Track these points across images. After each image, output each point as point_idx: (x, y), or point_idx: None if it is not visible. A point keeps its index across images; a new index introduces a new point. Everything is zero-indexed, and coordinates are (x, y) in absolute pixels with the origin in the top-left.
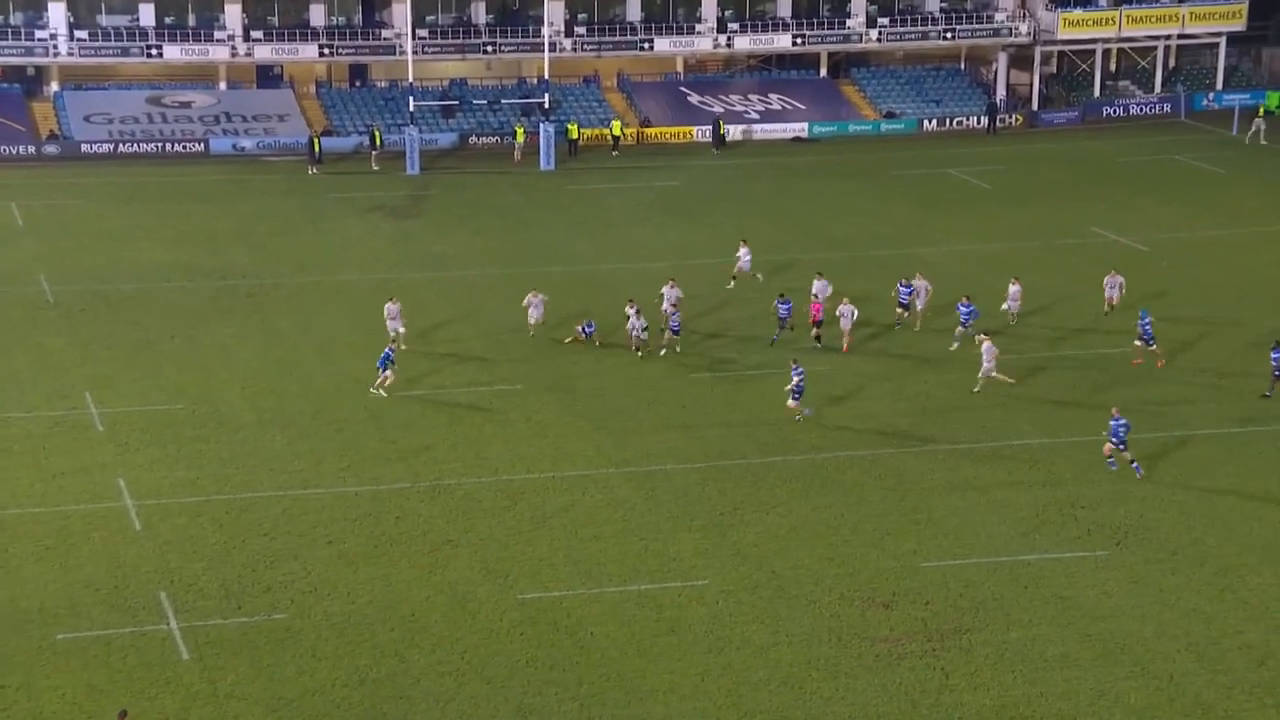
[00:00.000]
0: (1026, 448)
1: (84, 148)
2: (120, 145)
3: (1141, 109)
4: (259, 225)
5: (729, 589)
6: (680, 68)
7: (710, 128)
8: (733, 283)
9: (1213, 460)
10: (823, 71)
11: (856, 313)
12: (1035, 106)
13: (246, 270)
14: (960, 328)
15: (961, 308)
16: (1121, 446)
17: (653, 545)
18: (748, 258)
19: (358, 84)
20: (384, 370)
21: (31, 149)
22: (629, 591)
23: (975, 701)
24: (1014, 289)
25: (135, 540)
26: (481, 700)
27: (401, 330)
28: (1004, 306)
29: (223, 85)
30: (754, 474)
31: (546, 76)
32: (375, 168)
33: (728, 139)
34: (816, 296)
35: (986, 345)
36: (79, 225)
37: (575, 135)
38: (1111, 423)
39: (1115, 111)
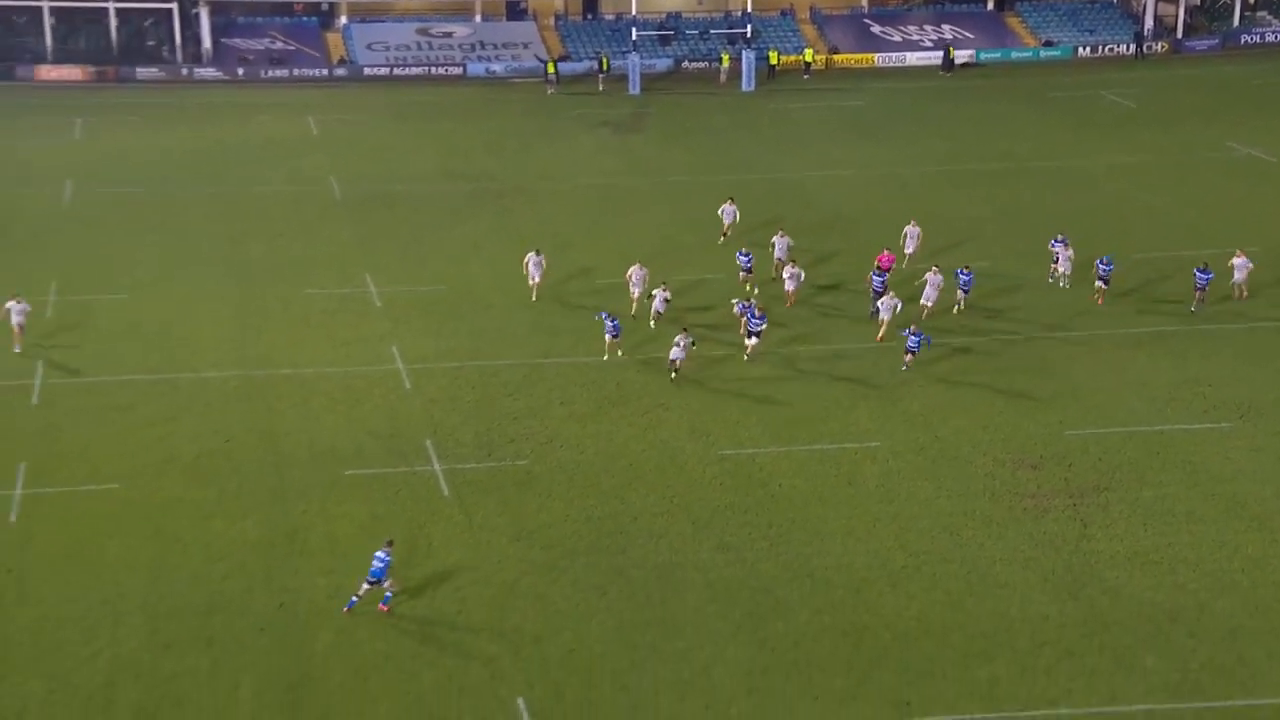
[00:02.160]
0: (1161, 333)
1: (365, 71)
2: (395, 69)
3: (1277, 37)
4: (506, 139)
5: (897, 450)
6: (865, 2)
7: (940, 54)
8: (723, 239)
9: None
10: (989, 5)
11: (803, 275)
12: (1179, 35)
13: (495, 176)
14: (961, 293)
15: (961, 274)
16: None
17: (833, 413)
18: (733, 213)
19: (589, 16)
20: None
21: (324, 72)
22: (812, 450)
23: (1110, 549)
24: (1239, 261)
25: (406, 397)
26: (688, 537)
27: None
28: (1232, 280)
29: (478, 18)
30: (919, 356)
31: (749, 10)
32: (602, 89)
33: (956, 63)
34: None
35: (931, 276)
36: (361, 137)
37: (774, 61)
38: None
39: (1253, 39)
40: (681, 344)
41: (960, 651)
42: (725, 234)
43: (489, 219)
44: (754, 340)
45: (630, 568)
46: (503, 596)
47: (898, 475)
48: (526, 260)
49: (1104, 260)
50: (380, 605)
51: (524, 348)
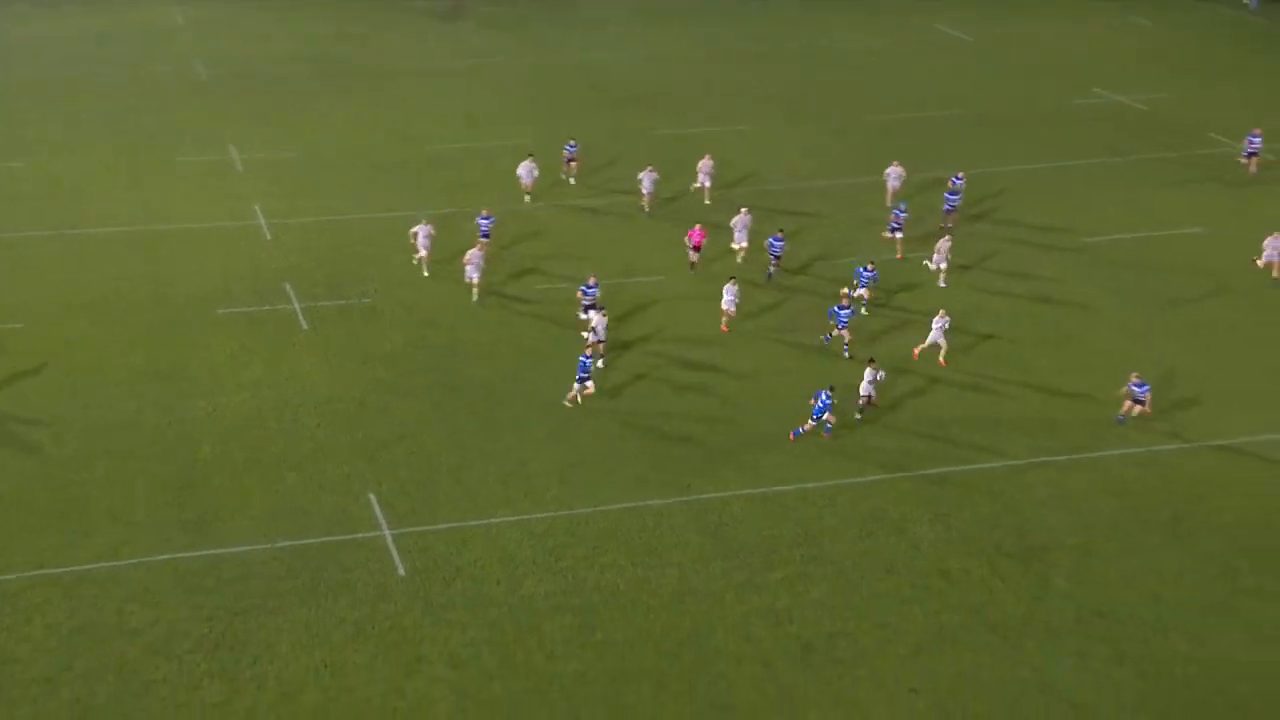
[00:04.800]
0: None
1: None
2: None
3: None
4: (352, 26)
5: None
6: None
7: None
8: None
9: None
10: None
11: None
12: None
13: (341, 59)
14: (861, 289)
15: (863, 271)
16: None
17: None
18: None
19: None
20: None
21: None
22: (627, 283)
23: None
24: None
25: (267, 248)
26: (512, 360)
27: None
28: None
29: None
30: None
31: None
32: None
33: None
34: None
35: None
36: (224, 26)
37: None
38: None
39: None
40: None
41: (737, 440)
42: (569, 174)
43: (335, 96)
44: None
45: (462, 385)
46: (354, 410)
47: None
48: (414, 231)
49: (775, 237)
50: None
51: (369, 205)
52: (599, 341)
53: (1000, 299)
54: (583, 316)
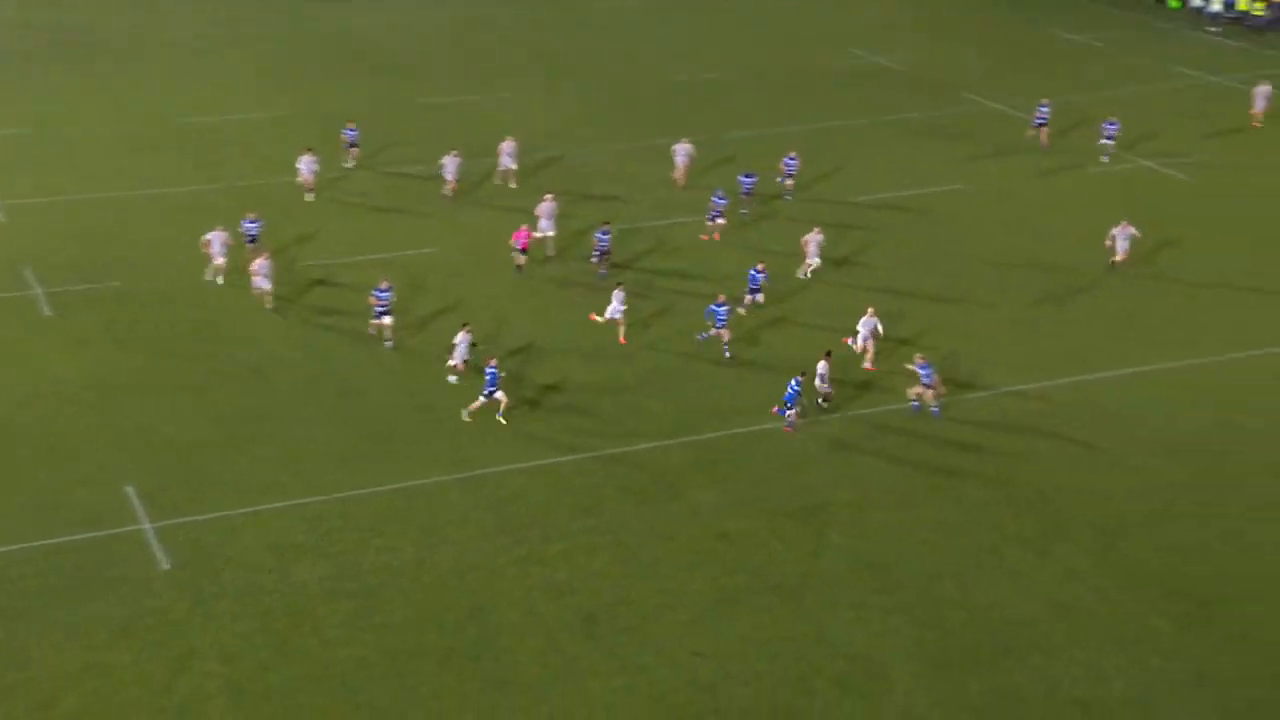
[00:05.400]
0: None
1: None
2: None
3: None
4: None
5: (451, 254)
6: None
7: None
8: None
9: None
10: None
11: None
12: None
13: (73, 28)
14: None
15: (756, 275)
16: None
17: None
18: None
19: None
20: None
21: None
22: (376, 259)
23: None
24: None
25: (3, 230)
26: (278, 340)
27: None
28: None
29: None
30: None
31: None
32: None
33: None
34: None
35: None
36: None
37: None
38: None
39: None
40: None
41: (514, 415)
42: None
43: (73, 68)
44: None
45: (225, 370)
46: (106, 400)
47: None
48: (208, 238)
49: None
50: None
51: (112, 184)
52: (464, 361)
53: (771, 258)
54: (384, 321)
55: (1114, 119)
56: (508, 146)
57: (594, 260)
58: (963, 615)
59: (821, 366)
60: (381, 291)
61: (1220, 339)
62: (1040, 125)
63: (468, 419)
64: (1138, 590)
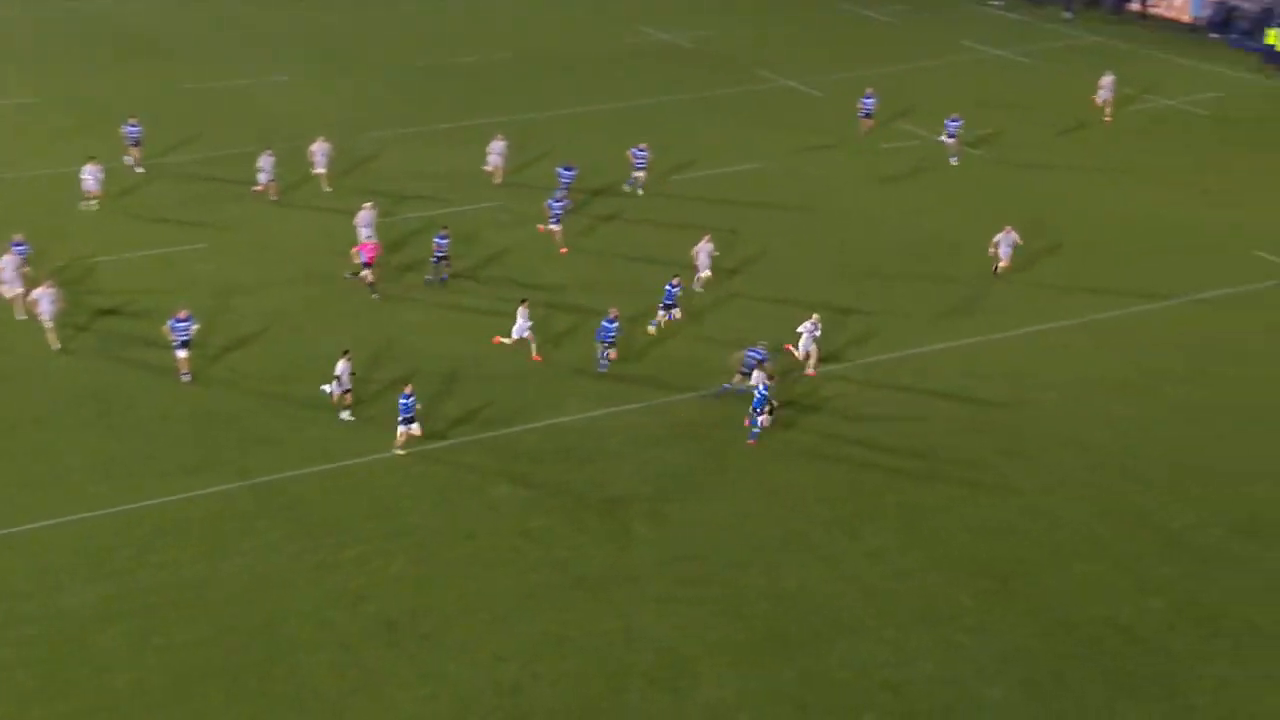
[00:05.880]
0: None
1: None
2: None
3: None
4: None
5: (223, 249)
6: None
7: None
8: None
9: None
10: None
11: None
12: None
13: None
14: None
15: (671, 288)
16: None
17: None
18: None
19: None
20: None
21: None
22: (143, 256)
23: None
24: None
25: None
26: (32, 346)
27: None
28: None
29: None
30: None
31: None
32: None
33: None
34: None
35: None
36: None
37: None
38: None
39: None
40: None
41: (292, 419)
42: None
43: None
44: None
45: None
46: None
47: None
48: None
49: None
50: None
51: None
52: (346, 391)
53: (626, 262)
54: (180, 355)
55: (870, 91)
56: (320, 148)
57: (434, 264)
58: (770, 603)
59: (757, 377)
60: (180, 321)
61: (1014, 315)
62: (866, 116)
63: (401, 453)
64: (943, 569)
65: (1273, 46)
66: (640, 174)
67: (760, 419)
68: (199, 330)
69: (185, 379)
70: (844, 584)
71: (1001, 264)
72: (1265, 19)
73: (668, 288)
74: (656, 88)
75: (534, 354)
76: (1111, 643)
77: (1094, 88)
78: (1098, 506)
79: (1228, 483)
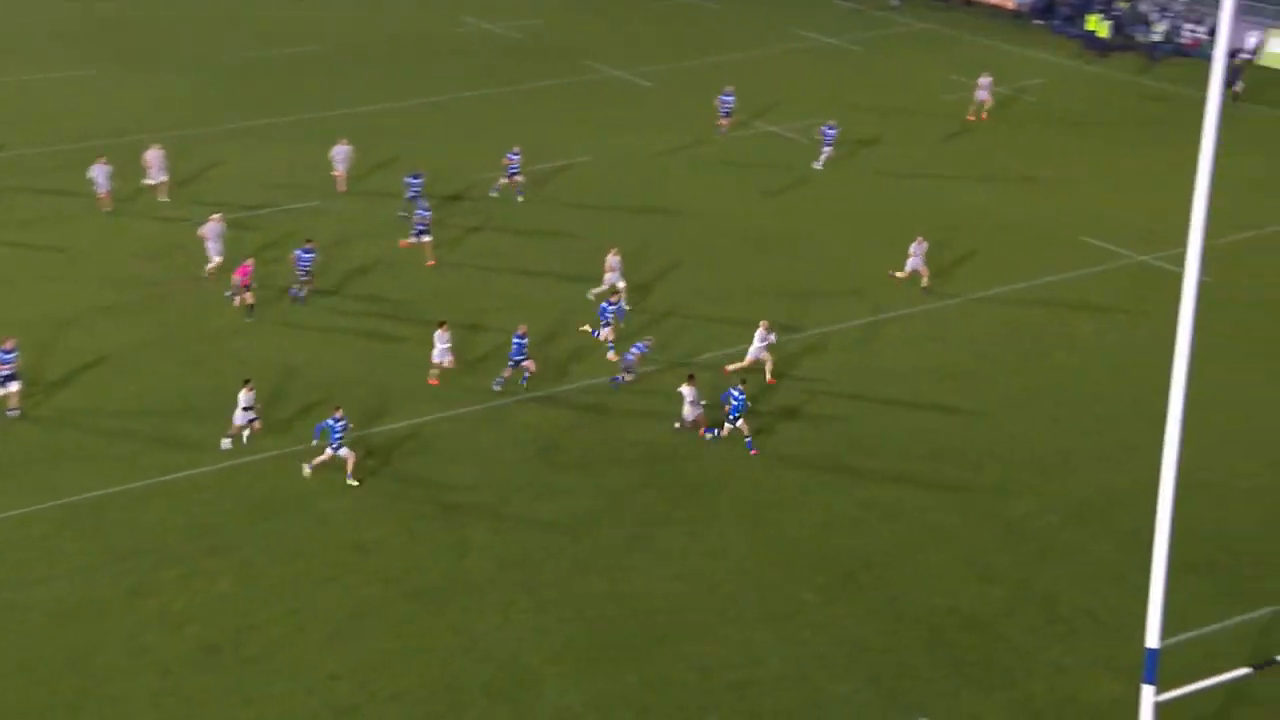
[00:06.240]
0: None
1: None
2: None
3: None
4: None
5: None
6: None
7: None
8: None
9: None
10: None
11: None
12: None
13: None
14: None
15: (608, 307)
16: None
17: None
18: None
19: None
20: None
21: None
22: None
23: None
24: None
25: None
26: None
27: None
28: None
29: None
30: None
31: None
32: None
33: None
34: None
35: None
36: None
37: None
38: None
39: None
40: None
41: (105, 433)
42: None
43: None
44: None
45: None
46: None
47: None
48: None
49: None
50: None
51: None
52: (252, 421)
53: (509, 275)
54: (10, 388)
55: (729, 89)
56: (154, 155)
57: (300, 281)
58: (613, 606)
59: (688, 392)
60: (5, 353)
61: (851, 307)
62: (726, 115)
63: (355, 483)
64: (787, 565)
65: (1094, 33)
66: (516, 179)
67: (726, 426)
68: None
69: (12, 414)
70: (687, 584)
71: (907, 275)
72: (1086, 5)
73: (603, 306)
74: (480, 80)
75: (432, 378)
76: (955, 633)
77: (929, 76)
78: (937, 497)
79: (1061, 470)
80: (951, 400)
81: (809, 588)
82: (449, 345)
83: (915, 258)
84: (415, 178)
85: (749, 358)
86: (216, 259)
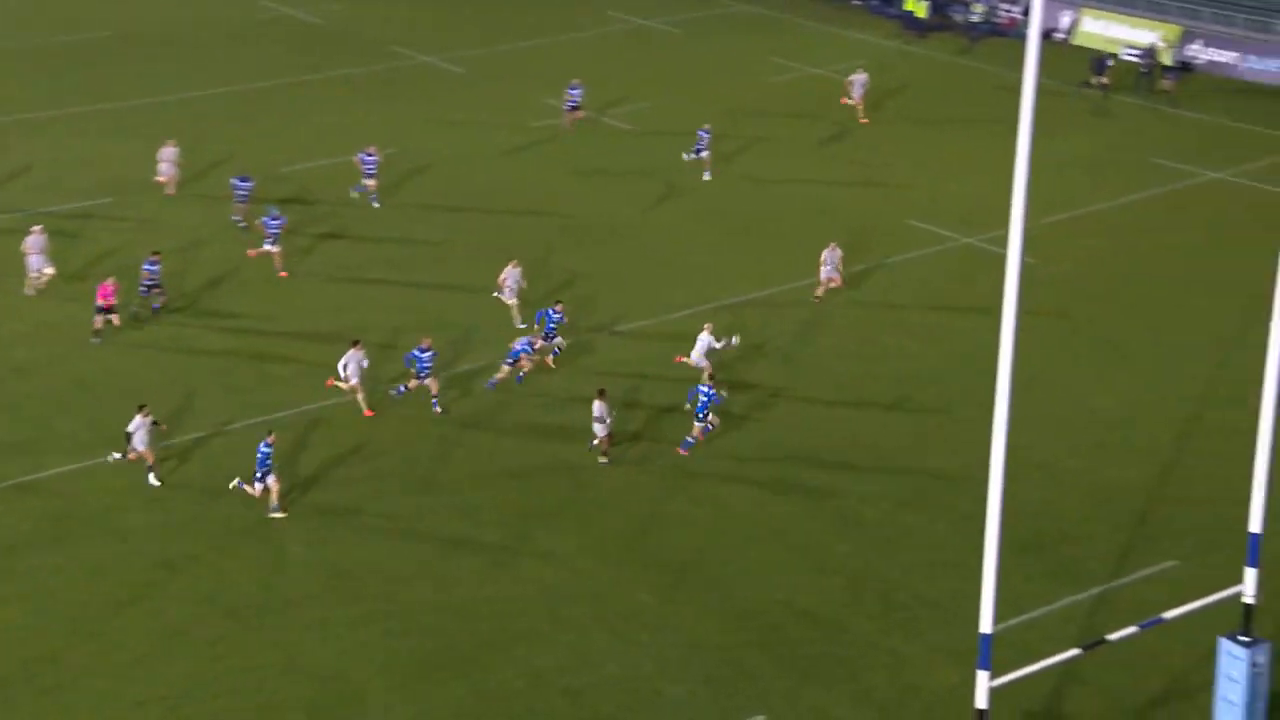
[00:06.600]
0: None
1: None
2: None
3: None
4: None
5: None
6: None
7: None
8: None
9: None
10: None
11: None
12: None
13: None
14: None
15: (552, 314)
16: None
17: None
18: None
19: None
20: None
21: None
22: None
23: None
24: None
25: None
26: None
27: None
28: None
29: None
30: None
31: None
32: None
33: None
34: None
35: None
36: None
37: None
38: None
39: None
40: None
41: None
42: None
43: None
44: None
45: None
46: None
47: None
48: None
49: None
50: None
51: None
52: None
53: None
54: None
55: (576, 82)
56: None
57: (142, 295)
58: (439, 616)
59: (598, 408)
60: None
61: (672, 300)
62: (573, 109)
63: (280, 514)
64: (620, 566)
65: (912, 13)
66: (370, 181)
67: (696, 428)
68: None
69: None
70: (517, 589)
71: (834, 283)
72: None
73: (549, 313)
74: (282, 68)
75: (365, 409)
76: (792, 627)
77: (751, 59)
78: (770, 489)
79: (893, 456)
80: (781, 390)
81: (644, 588)
82: (365, 363)
83: (828, 266)
84: (244, 180)
85: (694, 359)
86: (48, 270)
